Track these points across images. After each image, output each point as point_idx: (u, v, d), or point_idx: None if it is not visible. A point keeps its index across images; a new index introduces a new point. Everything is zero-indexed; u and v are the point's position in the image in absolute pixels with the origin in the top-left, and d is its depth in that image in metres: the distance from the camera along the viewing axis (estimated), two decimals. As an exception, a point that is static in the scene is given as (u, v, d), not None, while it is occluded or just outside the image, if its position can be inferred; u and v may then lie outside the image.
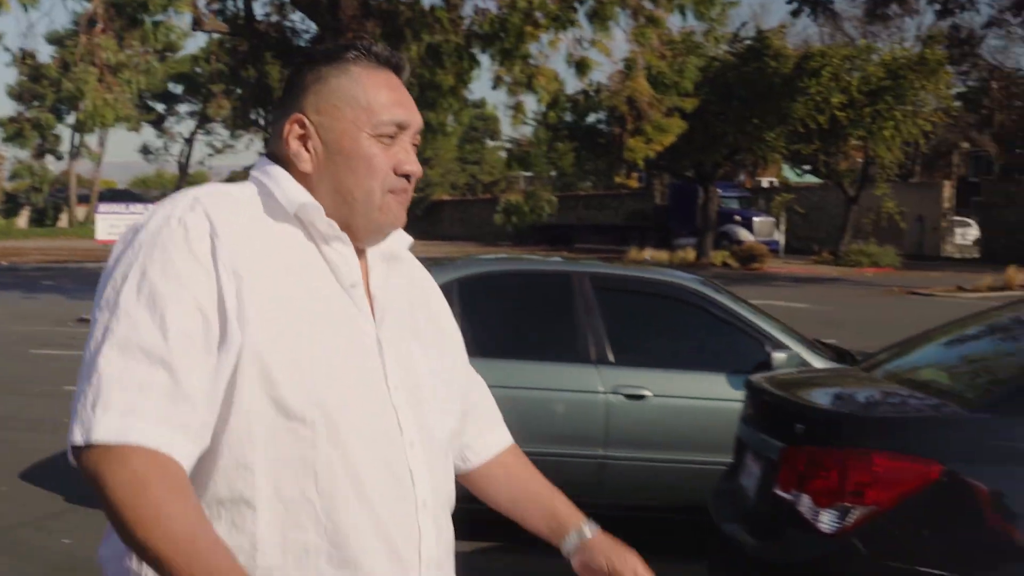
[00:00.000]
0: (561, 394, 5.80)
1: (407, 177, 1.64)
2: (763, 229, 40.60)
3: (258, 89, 19.55)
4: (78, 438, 1.42)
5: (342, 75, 1.62)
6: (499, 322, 6.03)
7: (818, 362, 5.63)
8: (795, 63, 31.43)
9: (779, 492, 3.51)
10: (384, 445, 1.57)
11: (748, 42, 33.20)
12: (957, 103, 35.33)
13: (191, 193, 1.59)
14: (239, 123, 23.80)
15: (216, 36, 21.60)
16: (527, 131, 28.38)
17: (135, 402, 1.42)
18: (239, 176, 79.00)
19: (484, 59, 19.24)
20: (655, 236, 41.63)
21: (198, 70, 51.76)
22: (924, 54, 31.16)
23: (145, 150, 70.52)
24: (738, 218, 41.01)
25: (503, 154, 44.35)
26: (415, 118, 1.66)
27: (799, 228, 44.34)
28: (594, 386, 5.78)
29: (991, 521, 3.18)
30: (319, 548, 1.52)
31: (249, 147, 64.27)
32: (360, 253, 1.66)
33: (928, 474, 3.16)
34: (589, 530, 1.83)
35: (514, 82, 17.95)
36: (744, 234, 39.60)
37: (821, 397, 3.92)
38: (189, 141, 65.81)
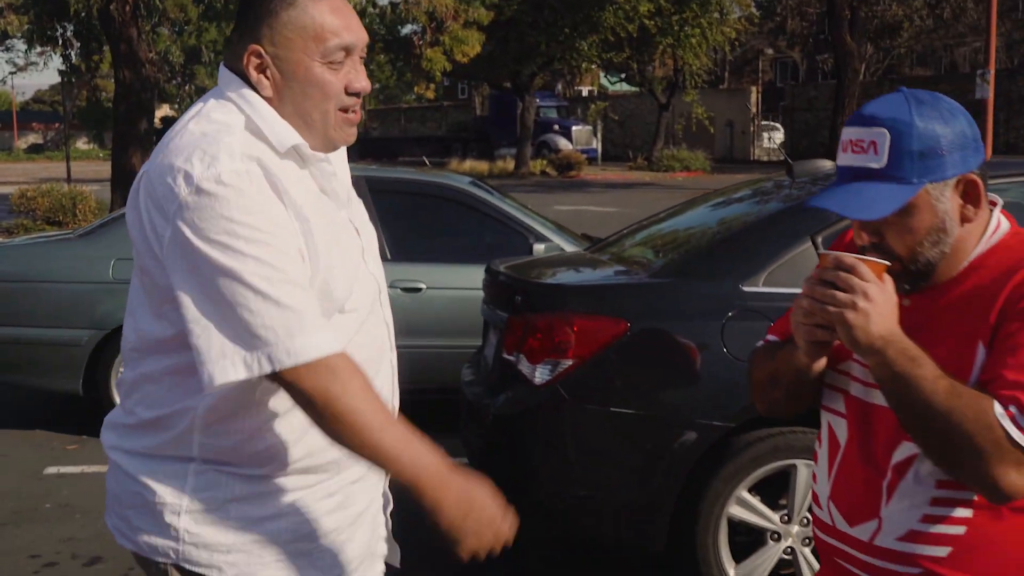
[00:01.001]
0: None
1: (357, 95, 1.85)
2: (581, 138, 41.57)
3: (52, 3, 18.84)
4: (289, 360, 1.69)
5: (290, 8, 1.81)
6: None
7: (572, 249, 6.23)
8: (604, -28, 32.02)
9: (505, 356, 4.07)
10: (380, 305, 1.98)
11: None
12: (757, 11, 36.79)
13: (232, 146, 1.77)
14: (38, 39, 22.83)
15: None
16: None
17: (317, 320, 1.73)
18: (45, 95, 75.16)
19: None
20: (477, 147, 42.09)
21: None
22: (727, -37, 32.26)
23: (-61, 69, 66.45)
24: (557, 127, 41.84)
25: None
26: (360, 37, 1.85)
27: (616, 136, 45.60)
28: (373, 281, 6.24)
29: (664, 364, 3.82)
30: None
31: (48, 64, 60.92)
32: None
33: (616, 330, 3.76)
34: None
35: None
36: (563, 143, 40.47)
37: (539, 274, 4.48)
38: (-12, 59, 62.27)
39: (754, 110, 44.35)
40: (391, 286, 6.22)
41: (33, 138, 66.24)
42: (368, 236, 2.02)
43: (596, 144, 41.65)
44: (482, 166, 35.89)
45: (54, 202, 16.15)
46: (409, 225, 6.57)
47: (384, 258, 6.56)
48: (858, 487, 1.83)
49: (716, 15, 33.46)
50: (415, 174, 7.10)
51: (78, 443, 6.32)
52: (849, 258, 1.68)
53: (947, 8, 30.31)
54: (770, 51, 47.29)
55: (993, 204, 1.84)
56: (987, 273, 1.75)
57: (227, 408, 1.85)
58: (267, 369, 1.71)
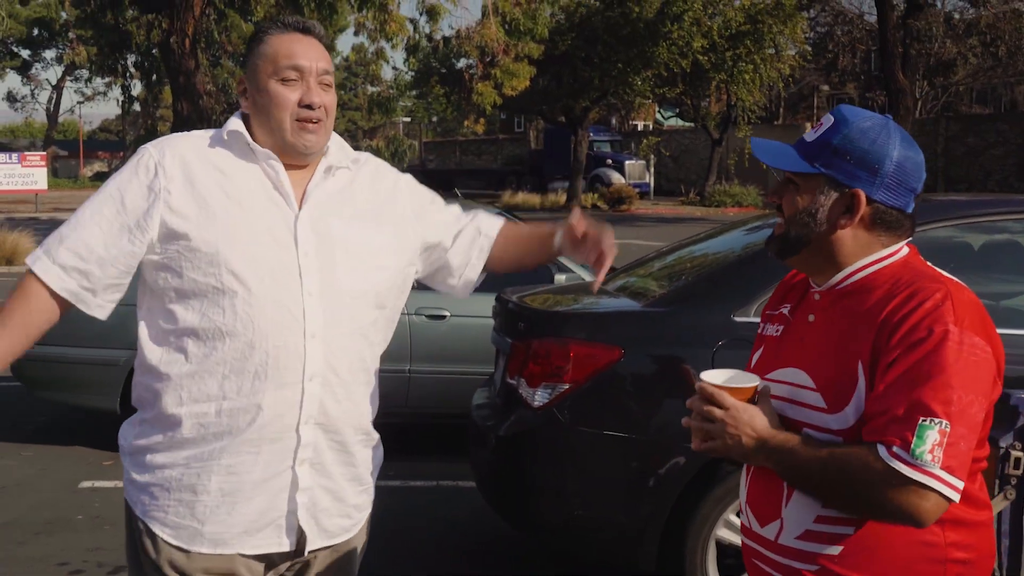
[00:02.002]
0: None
1: (310, 107, 2.24)
2: (635, 172, 41.65)
3: (117, 35, 19.50)
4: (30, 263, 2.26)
5: (261, 43, 2.30)
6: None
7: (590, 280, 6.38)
8: (658, 8, 32.29)
9: (508, 380, 4.24)
10: (283, 290, 2.19)
11: (611, -12, 33.88)
12: (809, 47, 36.74)
13: (168, 137, 2.35)
14: (102, 70, 23.60)
15: (73, -18, 21.38)
16: (393, 77, 28.65)
17: (56, 255, 2.23)
18: (111, 124, 77.07)
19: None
20: (531, 180, 42.39)
21: (63, 14, 50.44)
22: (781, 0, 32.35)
23: (11, 98, 68.42)
24: (610, 161, 41.99)
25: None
26: (311, 63, 2.26)
27: (669, 170, 45.62)
28: (399, 308, 6.44)
29: (656, 390, 3.96)
30: (225, 360, 2.18)
31: (109, 94, 62.38)
32: (306, 166, 2.31)
33: (611, 356, 3.91)
34: (560, 226, 2.38)
35: (374, 29, 18.33)
36: (616, 177, 40.56)
37: (544, 302, 4.64)
38: (57, 88, 64.00)
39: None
40: (416, 313, 6.43)
41: (99, 166, 67.68)
42: (319, 239, 2.26)
43: (649, 179, 41.71)
44: (534, 199, 36.14)
45: (110, 228, 16.57)
46: (436, 254, 6.77)
47: (411, 287, 6.83)
48: (766, 490, 1.99)
49: (771, 51, 33.51)
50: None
51: (114, 459, 6.58)
52: (709, 388, 1.92)
53: (1002, 46, 30.06)
54: (825, 87, 47.20)
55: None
56: (872, 296, 1.92)
57: (138, 360, 2.28)
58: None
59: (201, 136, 2.34)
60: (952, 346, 1.78)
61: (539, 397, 4.00)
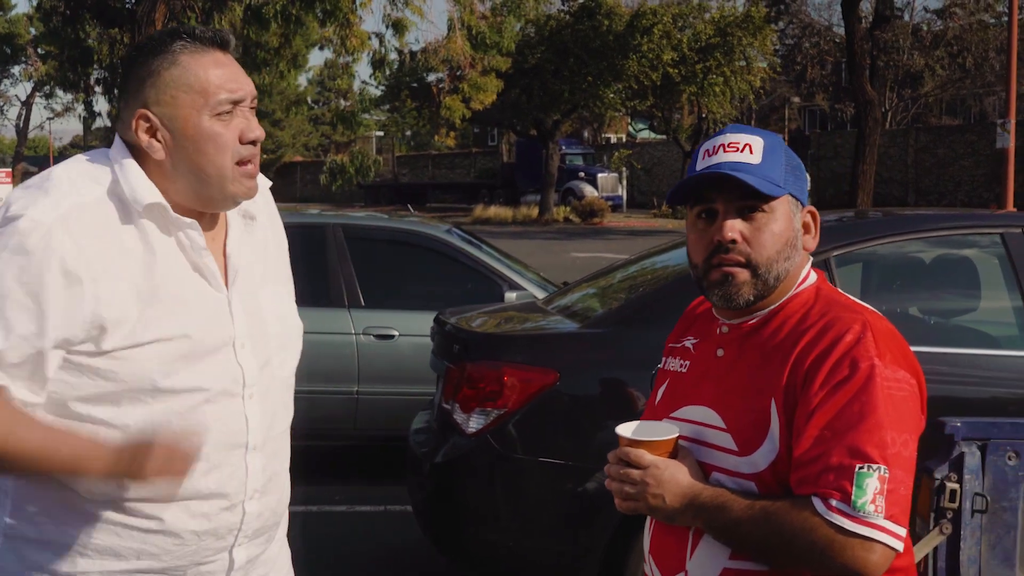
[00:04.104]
0: (317, 336, 6.28)
1: (254, 144, 1.81)
2: (607, 185, 41.67)
3: (78, 51, 19.28)
4: None
5: (172, 66, 1.77)
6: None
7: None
8: (627, 21, 32.34)
9: (443, 404, 4.08)
10: (225, 402, 1.81)
11: (581, 0, 33.94)
12: (778, 59, 36.88)
13: (60, 207, 1.73)
14: (64, 85, 23.44)
15: (34, -3, 21.18)
16: (358, 91, 28.56)
17: None
18: (82, 140, 76.67)
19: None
20: (503, 193, 42.36)
21: (32, 31, 50.07)
22: (750, 12, 32.47)
23: (-22, 115, 67.81)
24: (582, 174, 42.01)
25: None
26: (247, 88, 1.81)
27: (641, 183, 45.66)
28: (346, 328, 6.28)
29: (594, 415, 3.81)
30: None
31: (76, 109, 61.78)
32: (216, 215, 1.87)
33: (546, 380, 3.76)
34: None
35: (337, 43, 18.18)
36: (589, 190, 40.58)
37: (481, 323, 4.49)
38: (26, 104, 63.51)
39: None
40: (363, 333, 6.26)
41: (69, 182, 67.15)
42: (252, 325, 1.89)
43: (621, 191, 41.71)
44: (506, 212, 36.06)
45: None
46: (384, 272, 6.61)
47: (358, 305, 6.69)
48: (669, 540, 1.85)
49: (741, 63, 33.59)
50: (391, 221, 7.15)
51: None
52: (623, 448, 1.77)
53: (969, 57, 30.18)
54: (797, 99, 47.38)
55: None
56: (784, 328, 1.78)
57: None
58: None
59: (103, 201, 1.78)
60: (879, 383, 1.65)
61: (473, 423, 3.84)
